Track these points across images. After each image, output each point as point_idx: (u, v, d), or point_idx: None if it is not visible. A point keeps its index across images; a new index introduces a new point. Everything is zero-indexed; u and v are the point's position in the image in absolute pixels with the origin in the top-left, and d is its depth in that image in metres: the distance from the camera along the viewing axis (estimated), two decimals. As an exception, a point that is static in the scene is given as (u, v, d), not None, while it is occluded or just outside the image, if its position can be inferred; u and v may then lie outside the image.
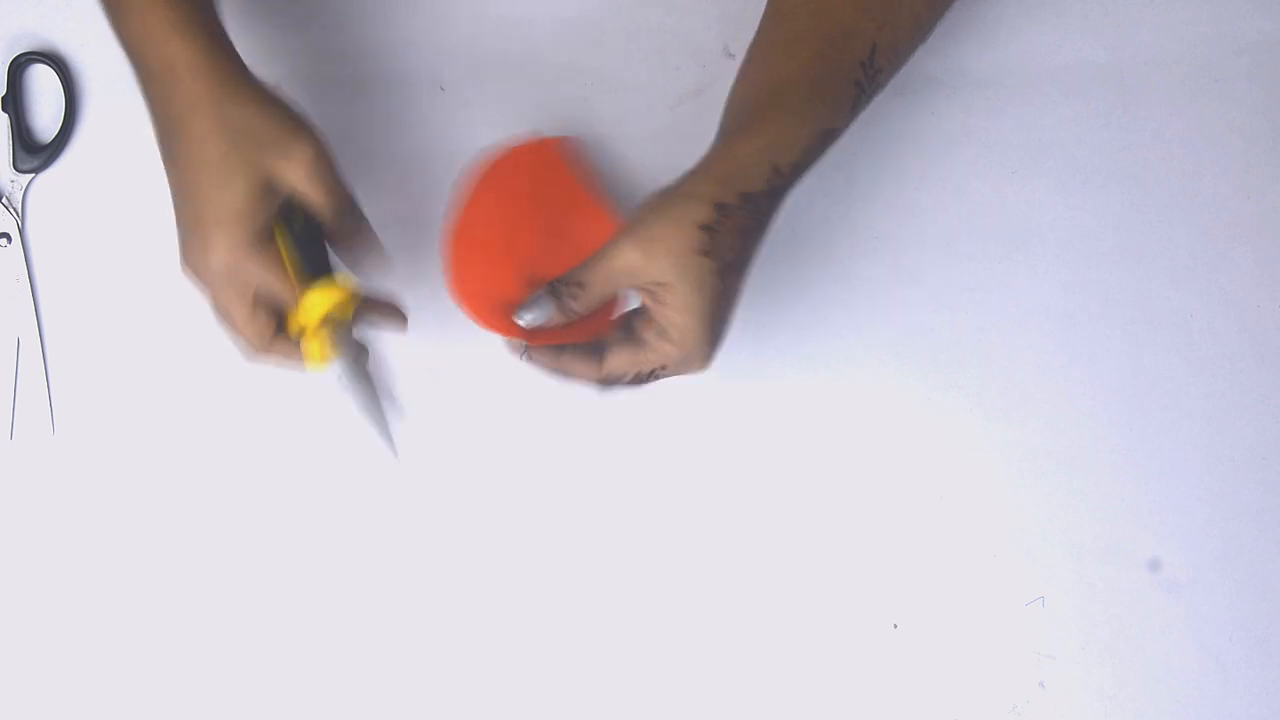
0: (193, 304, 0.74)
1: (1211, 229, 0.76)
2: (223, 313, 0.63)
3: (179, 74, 0.60)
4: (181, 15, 0.61)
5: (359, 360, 0.65)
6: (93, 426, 0.74)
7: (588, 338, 0.65)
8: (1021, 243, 0.76)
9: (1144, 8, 0.77)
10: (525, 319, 0.64)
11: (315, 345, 0.63)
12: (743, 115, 0.64)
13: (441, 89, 0.75)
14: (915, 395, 0.75)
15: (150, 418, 0.74)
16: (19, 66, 0.74)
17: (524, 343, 0.65)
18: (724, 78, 0.75)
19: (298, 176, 0.60)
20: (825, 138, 0.64)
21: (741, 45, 0.75)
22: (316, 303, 0.61)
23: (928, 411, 0.75)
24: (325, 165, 0.61)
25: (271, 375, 0.74)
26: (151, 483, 0.74)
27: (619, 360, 0.63)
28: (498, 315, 0.65)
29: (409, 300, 0.75)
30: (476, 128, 0.75)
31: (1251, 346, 0.76)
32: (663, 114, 0.75)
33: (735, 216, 0.60)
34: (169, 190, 0.62)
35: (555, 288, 0.63)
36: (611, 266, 0.61)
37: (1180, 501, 0.75)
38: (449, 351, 0.74)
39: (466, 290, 0.67)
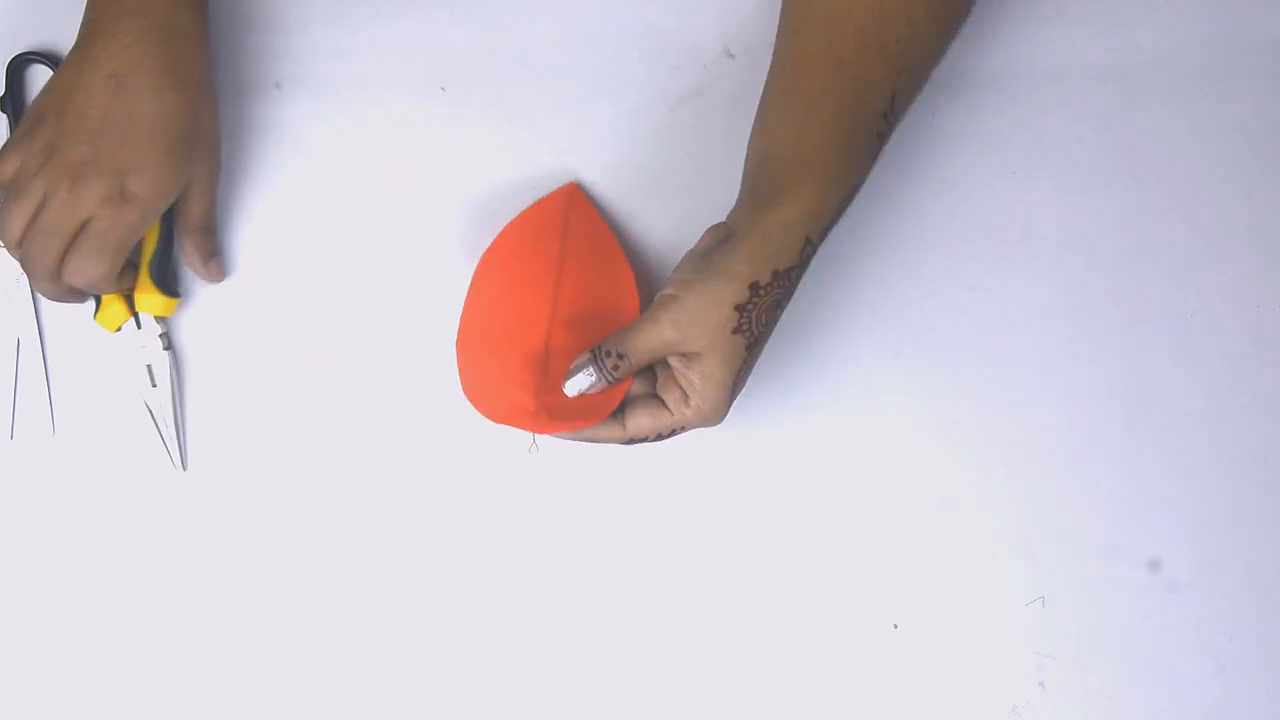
0: (192, 304, 0.74)
1: (1211, 229, 0.76)
2: (96, 240, 0.67)
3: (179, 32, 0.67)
4: None
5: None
6: (93, 427, 0.74)
7: (603, 415, 0.67)
8: (1021, 243, 0.76)
9: (1144, 8, 0.77)
10: (571, 389, 0.66)
11: (117, 310, 0.72)
12: (770, 181, 0.65)
13: (442, 89, 0.75)
14: (915, 395, 0.75)
15: (150, 418, 0.74)
16: (18, 66, 0.74)
17: (533, 435, 0.69)
18: (724, 78, 0.75)
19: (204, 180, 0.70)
20: (851, 194, 0.66)
21: (741, 45, 0.75)
22: (149, 301, 0.71)
23: (928, 412, 0.75)
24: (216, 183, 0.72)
25: (271, 375, 0.74)
26: (151, 483, 0.74)
27: (640, 423, 0.66)
28: (511, 413, 0.69)
29: (415, 315, 0.75)
30: (476, 128, 0.75)
31: (1251, 346, 0.76)
32: (663, 114, 0.75)
33: (768, 293, 0.64)
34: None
35: (597, 358, 0.65)
36: (651, 343, 0.64)
37: (1180, 501, 0.75)
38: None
39: (477, 395, 0.70)
